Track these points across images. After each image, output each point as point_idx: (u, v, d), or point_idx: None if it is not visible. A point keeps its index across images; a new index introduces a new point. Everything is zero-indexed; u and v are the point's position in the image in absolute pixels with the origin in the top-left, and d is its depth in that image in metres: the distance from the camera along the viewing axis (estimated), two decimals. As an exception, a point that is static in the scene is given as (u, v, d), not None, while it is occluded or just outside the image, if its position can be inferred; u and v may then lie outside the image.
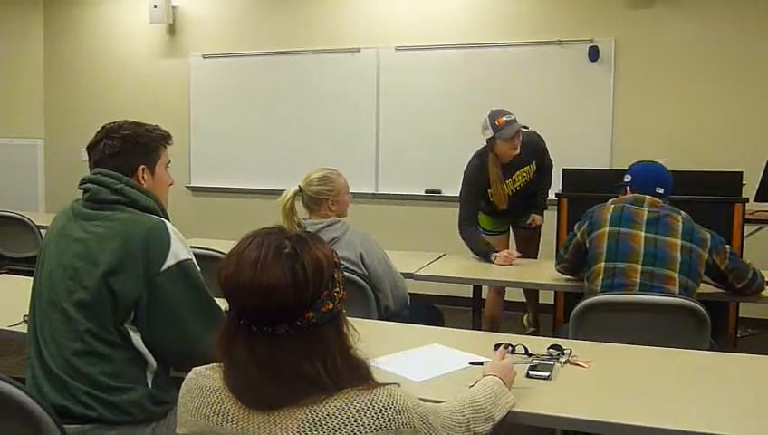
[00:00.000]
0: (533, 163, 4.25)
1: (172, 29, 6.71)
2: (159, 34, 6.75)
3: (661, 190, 2.94)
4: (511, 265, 3.80)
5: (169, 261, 1.85)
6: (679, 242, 2.74)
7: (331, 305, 1.24)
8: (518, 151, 3.99)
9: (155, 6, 6.53)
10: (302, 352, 1.21)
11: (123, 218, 1.90)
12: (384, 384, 1.24)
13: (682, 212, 2.85)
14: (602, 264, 2.79)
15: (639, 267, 2.71)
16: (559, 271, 3.28)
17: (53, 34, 7.20)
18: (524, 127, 3.99)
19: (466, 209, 4.10)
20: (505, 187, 4.15)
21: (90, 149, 2.03)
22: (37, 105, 7.27)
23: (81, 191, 2.00)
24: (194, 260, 1.93)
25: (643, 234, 2.77)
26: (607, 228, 2.84)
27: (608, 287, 2.74)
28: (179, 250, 1.88)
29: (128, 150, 2.00)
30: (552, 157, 4.45)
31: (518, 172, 4.19)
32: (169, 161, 2.12)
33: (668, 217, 2.80)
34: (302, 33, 6.25)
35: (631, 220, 2.81)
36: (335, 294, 1.26)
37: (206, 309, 1.91)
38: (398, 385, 1.26)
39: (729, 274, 2.85)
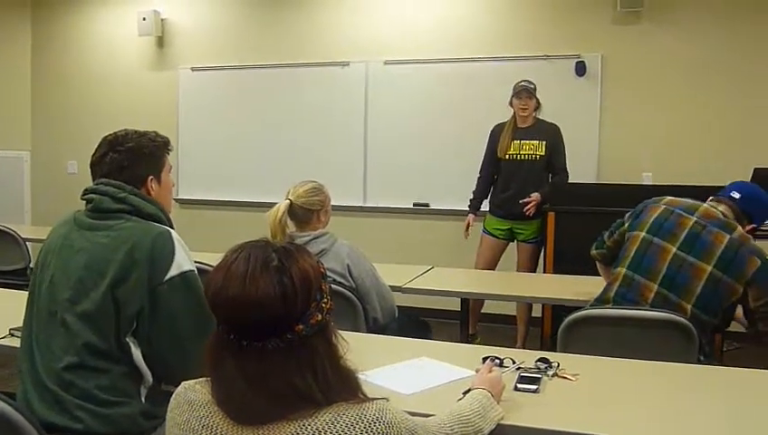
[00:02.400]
0: (543, 144, 4.68)
1: (161, 41, 6.71)
2: (148, 47, 6.75)
3: (736, 195, 2.66)
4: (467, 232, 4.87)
5: (172, 271, 1.84)
6: (709, 269, 2.48)
7: (319, 317, 1.25)
8: (527, 113, 4.66)
9: (144, 19, 6.53)
10: (293, 366, 1.21)
11: (128, 228, 1.89)
12: (373, 399, 1.24)
13: (736, 232, 2.54)
14: (624, 270, 2.64)
15: (655, 287, 2.55)
16: (594, 256, 2.99)
17: (41, 46, 7.18)
18: (531, 86, 4.67)
19: (482, 163, 4.89)
20: (511, 145, 4.71)
21: (94, 163, 2.01)
22: (24, 117, 7.24)
23: (84, 202, 1.99)
24: (196, 272, 1.92)
25: (674, 250, 2.55)
26: (643, 233, 2.65)
27: (620, 297, 2.62)
28: (183, 261, 1.88)
29: (135, 163, 1.99)
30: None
31: (526, 141, 4.70)
32: (171, 166, 2.12)
33: (713, 234, 2.52)
34: (291, 47, 6.27)
35: (670, 232, 2.59)
36: (323, 304, 1.26)
37: (205, 323, 1.89)
38: (387, 400, 1.26)
39: (756, 312, 2.53)
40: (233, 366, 1.22)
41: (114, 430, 1.78)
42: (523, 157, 4.71)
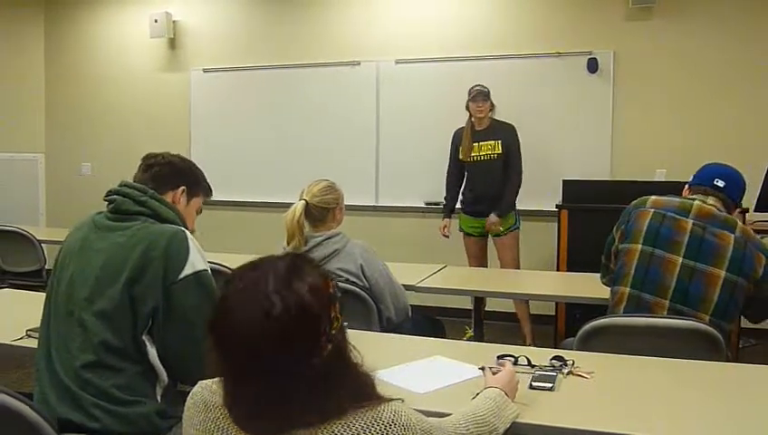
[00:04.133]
0: (499, 142, 4.91)
1: (173, 43, 6.74)
2: (160, 49, 6.79)
3: (721, 184, 2.51)
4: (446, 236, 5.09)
5: (186, 270, 1.87)
6: (723, 274, 2.35)
7: (330, 346, 1.18)
8: (484, 114, 4.87)
9: (156, 21, 6.57)
10: (306, 391, 1.17)
11: (144, 228, 1.93)
12: (388, 400, 1.23)
13: (737, 228, 2.41)
14: (627, 289, 2.47)
15: (667, 304, 2.38)
16: (606, 284, 2.81)
17: (54, 49, 7.24)
18: (485, 89, 4.88)
19: (448, 167, 5.17)
20: (472, 148, 4.95)
21: (146, 158, 2.13)
22: (38, 120, 7.30)
23: (106, 203, 2.03)
24: (210, 272, 1.94)
25: (681, 260, 2.39)
26: (640, 245, 2.47)
27: None
28: (197, 260, 1.90)
29: (178, 172, 2.13)
30: (522, 160, 4.96)
31: (484, 142, 4.94)
32: (201, 211, 2.22)
33: (716, 235, 2.39)
34: (302, 47, 6.28)
35: (670, 240, 2.42)
36: (333, 331, 1.19)
37: None
38: (402, 401, 1.25)
39: (757, 300, 2.42)
40: (242, 390, 1.18)
41: (131, 430, 1.79)
42: (483, 157, 4.94)
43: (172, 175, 2.10)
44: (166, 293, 1.84)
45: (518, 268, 4.92)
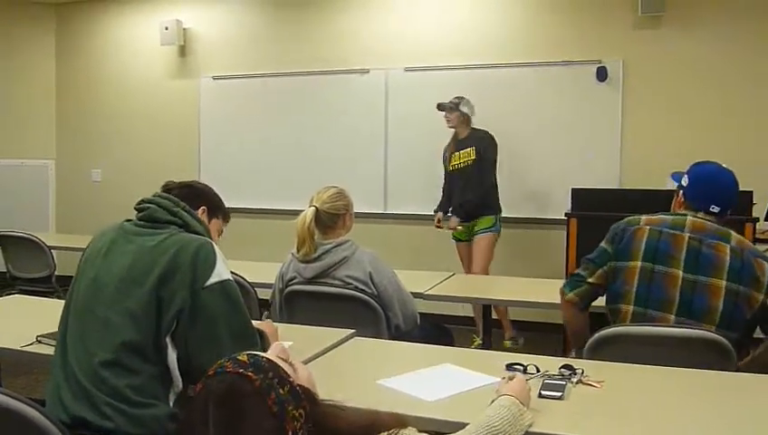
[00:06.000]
0: (473, 149, 5.12)
1: (183, 50, 6.78)
2: (170, 56, 6.83)
3: (716, 209, 2.50)
4: (439, 228, 5.29)
5: (213, 278, 1.92)
6: (724, 284, 2.35)
7: None
8: (451, 124, 5.16)
9: (166, 28, 6.62)
10: None
11: (174, 234, 1.99)
12: (399, 430, 1.19)
13: (733, 239, 2.42)
14: (632, 307, 2.45)
15: (672, 318, 2.37)
16: (570, 300, 2.65)
17: (65, 56, 7.30)
18: (455, 100, 5.12)
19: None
20: (453, 157, 5.23)
21: (165, 185, 2.25)
22: (49, 126, 7.35)
23: (136, 211, 2.08)
24: (234, 282, 1.99)
25: (681, 274, 2.39)
26: (639, 263, 2.46)
27: None
28: (223, 270, 1.96)
29: (199, 194, 2.25)
30: (495, 161, 5.18)
31: (463, 151, 5.17)
32: (222, 232, 2.35)
33: (713, 247, 2.39)
34: (311, 55, 6.31)
35: (668, 254, 2.42)
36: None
37: (243, 330, 1.95)
38: (411, 428, 1.21)
39: None
40: None
41: (143, 432, 1.79)
42: (461, 165, 5.18)
43: (193, 196, 2.19)
44: (192, 297, 1.88)
45: (486, 272, 5.10)
